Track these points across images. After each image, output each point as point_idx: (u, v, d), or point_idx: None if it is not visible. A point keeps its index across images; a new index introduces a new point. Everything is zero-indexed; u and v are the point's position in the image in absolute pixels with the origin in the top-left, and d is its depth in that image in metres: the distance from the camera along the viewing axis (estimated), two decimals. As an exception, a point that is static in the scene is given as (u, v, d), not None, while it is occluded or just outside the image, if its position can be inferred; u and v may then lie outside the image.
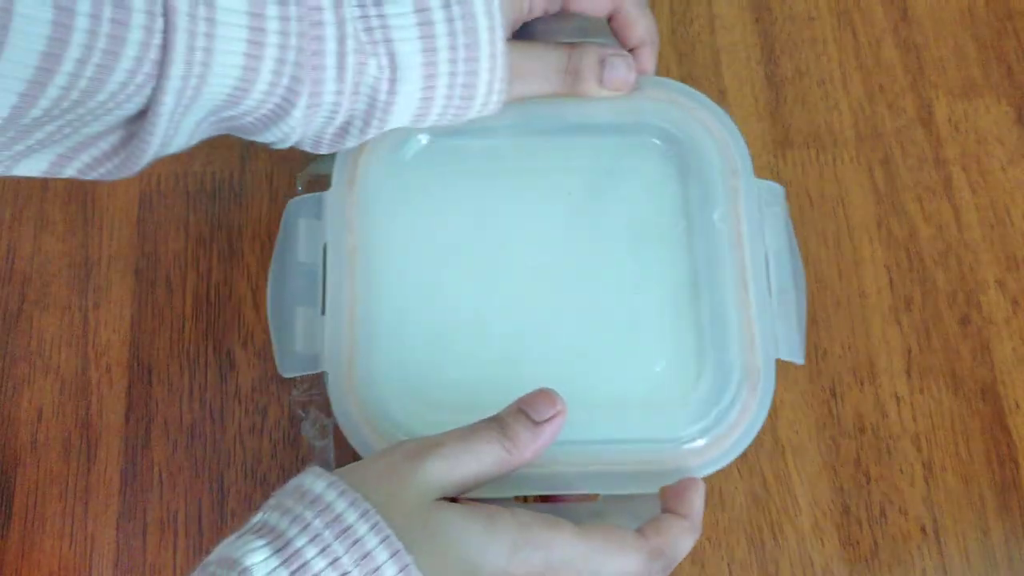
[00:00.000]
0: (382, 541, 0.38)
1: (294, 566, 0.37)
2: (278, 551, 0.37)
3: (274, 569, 0.37)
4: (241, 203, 0.61)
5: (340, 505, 0.38)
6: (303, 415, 0.54)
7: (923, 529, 0.56)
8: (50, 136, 0.42)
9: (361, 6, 0.46)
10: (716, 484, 0.56)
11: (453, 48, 0.47)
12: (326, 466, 0.51)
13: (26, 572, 0.53)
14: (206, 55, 0.42)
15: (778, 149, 0.64)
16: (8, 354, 0.57)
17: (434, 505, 0.40)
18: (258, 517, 0.39)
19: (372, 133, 0.49)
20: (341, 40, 0.45)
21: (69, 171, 0.45)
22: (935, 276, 0.61)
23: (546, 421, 0.43)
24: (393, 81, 0.47)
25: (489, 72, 0.48)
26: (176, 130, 0.44)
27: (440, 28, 0.47)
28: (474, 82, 0.48)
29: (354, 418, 0.49)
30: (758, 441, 0.56)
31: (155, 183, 0.61)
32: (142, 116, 0.43)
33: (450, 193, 0.53)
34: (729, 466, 0.55)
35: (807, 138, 0.64)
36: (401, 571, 0.38)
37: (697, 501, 0.45)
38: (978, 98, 0.66)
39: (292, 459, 0.55)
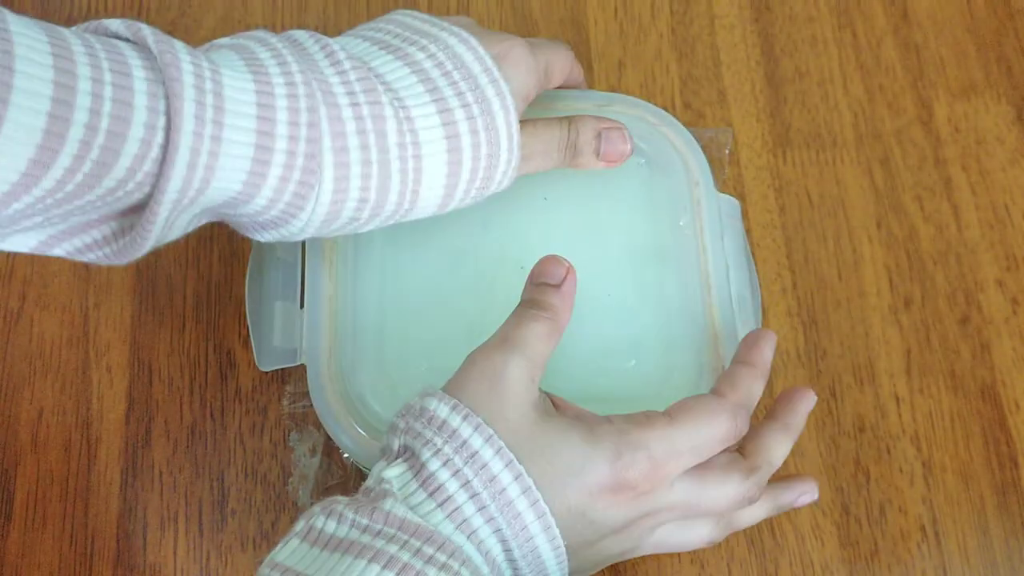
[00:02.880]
0: (506, 465, 0.42)
1: (431, 487, 0.41)
2: (416, 474, 0.42)
3: (414, 491, 0.41)
4: None
5: (466, 431, 0.42)
6: (293, 427, 0.55)
7: (923, 529, 0.56)
8: (36, 225, 0.41)
9: (388, 106, 0.45)
10: (716, 484, 0.56)
11: (476, 159, 0.48)
12: (305, 481, 0.52)
13: (27, 571, 0.53)
14: (208, 168, 0.41)
15: (778, 149, 0.64)
16: (9, 354, 0.57)
17: (538, 418, 0.43)
18: (396, 443, 0.43)
19: (389, 223, 0.48)
20: (366, 163, 0.45)
21: (59, 251, 0.43)
22: (935, 276, 0.61)
23: (564, 280, 0.47)
24: (416, 190, 0.47)
25: (504, 167, 0.49)
26: (172, 226, 0.43)
27: (465, 141, 0.47)
28: (490, 177, 0.49)
29: (332, 408, 0.50)
30: (758, 441, 0.57)
31: None
32: (138, 211, 0.42)
33: None
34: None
35: (807, 138, 0.64)
36: (523, 492, 0.41)
37: (768, 351, 0.50)
38: (978, 98, 0.66)
39: (292, 459, 0.55)
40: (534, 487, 0.42)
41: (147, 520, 0.54)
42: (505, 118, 0.48)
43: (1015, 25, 0.68)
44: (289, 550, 0.40)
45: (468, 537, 0.41)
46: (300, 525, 0.40)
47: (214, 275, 0.59)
